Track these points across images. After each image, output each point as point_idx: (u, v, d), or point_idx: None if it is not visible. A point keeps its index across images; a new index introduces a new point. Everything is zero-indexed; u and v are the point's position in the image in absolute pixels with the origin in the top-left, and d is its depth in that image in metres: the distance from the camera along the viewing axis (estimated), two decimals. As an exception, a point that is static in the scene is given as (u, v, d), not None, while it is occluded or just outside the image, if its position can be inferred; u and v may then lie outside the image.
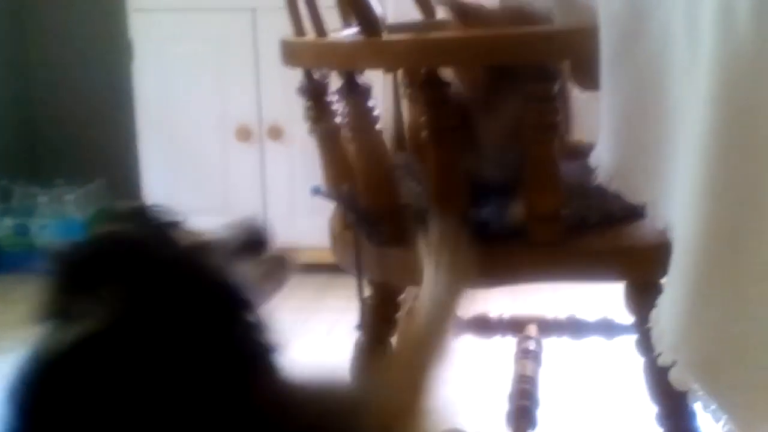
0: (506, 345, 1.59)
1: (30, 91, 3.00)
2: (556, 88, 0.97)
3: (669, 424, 1.08)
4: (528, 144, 1.00)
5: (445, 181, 1.03)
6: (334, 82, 1.09)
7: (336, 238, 1.19)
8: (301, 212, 2.57)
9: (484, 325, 1.58)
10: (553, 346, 1.59)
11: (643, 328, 1.05)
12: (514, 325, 1.55)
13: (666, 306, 0.79)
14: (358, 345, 1.16)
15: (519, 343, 1.47)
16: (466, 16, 1.04)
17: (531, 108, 0.98)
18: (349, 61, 1.02)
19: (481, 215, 1.09)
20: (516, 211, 1.09)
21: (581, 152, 1.25)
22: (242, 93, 2.57)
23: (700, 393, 0.77)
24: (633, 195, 0.90)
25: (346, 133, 1.12)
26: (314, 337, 2.13)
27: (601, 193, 1.14)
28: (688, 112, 0.77)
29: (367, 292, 1.16)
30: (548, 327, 1.54)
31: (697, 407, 0.78)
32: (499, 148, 1.10)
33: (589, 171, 1.22)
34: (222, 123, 2.60)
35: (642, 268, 1.01)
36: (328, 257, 2.12)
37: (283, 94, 2.52)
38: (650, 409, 1.10)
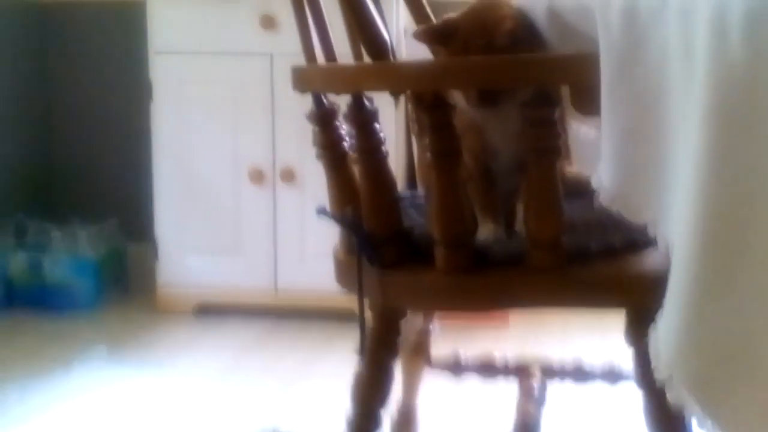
0: (510, 389, 1.57)
1: (49, 128, 3.06)
2: (557, 113, 0.98)
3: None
4: (529, 168, 1.01)
5: (448, 203, 1.04)
6: (343, 108, 1.11)
7: (340, 263, 1.19)
8: (311, 256, 2.58)
9: (488, 368, 1.57)
10: (557, 391, 1.57)
11: (641, 360, 1.05)
12: (519, 369, 1.54)
13: (664, 323, 0.79)
14: (357, 371, 1.15)
15: (522, 385, 1.45)
16: (441, 40, 1.06)
17: (531, 132, 0.99)
18: (356, 84, 1.04)
19: (481, 240, 1.10)
20: (517, 236, 1.09)
21: (583, 189, 1.26)
22: (257, 136, 2.61)
23: (697, 410, 0.76)
24: (634, 216, 0.90)
25: (352, 157, 1.13)
26: (320, 381, 2.12)
27: (602, 225, 1.15)
28: (685, 132, 0.78)
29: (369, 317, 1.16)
30: (552, 371, 1.52)
31: (694, 425, 0.77)
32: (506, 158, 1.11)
33: (591, 207, 1.23)
34: (236, 165, 2.63)
35: (641, 297, 1.00)
36: (338, 302, 2.14)
37: (297, 137, 2.57)
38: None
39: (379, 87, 1.04)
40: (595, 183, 0.92)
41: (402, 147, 2.51)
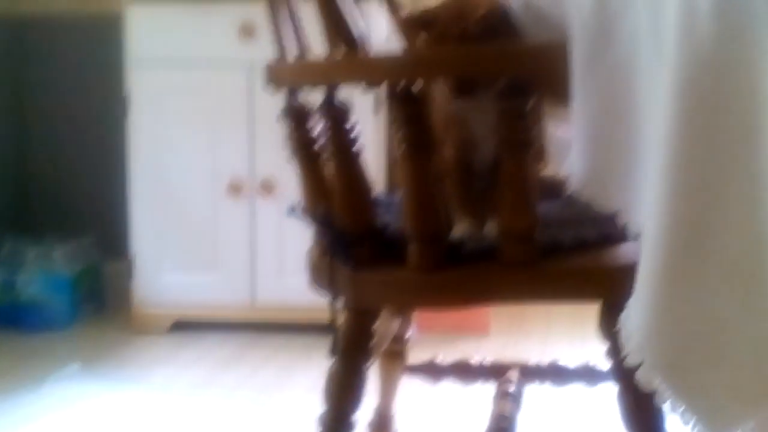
0: (488, 393, 1.56)
1: (24, 143, 3.03)
2: (530, 104, 0.98)
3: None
4: (501, 161, 1.00)
5: (421, 198, 1.03)
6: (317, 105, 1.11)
7: (313, 264, 1.18)
8: (290, 270, 2.56)
9: (465, 371, 1.55)
10: (535, 394, 1.56)
11: (616, 351, 1.04)
12: (496, 371, 1.52)
13: (634, 308, 0.79)
14: (330, 373, 1.13)
15: (499, 386, 1.44)
16: (421, 29, 1.06)
17: (504, 124, 0.99)
18: (328, 76, 1.03)
19: (455, 235, 1.09)
20: (491, 229, 1.09)
21: (559, 190, 1.26)
22: (235, 148, 2.60)
23: (669, 394, 0.76)
24: (605, 202, 0.90)
25: (325, 155, 1.13)
26: (296, 393, 2.09)
27: (577, 221, 1.15)
28: (655, 118, 0.78)
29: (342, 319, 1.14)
30: (530, 372, 1.51)
31: (666, 409, 0.76)
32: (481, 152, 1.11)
33: (566, 208, 1.23)
34: (214, 179, 2.62)
35: (615, 288, 0.99)
36: (317, 316, 2.12)
37: (276, 150, 2.54)
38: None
39: (351, 79, 1.03)
40: (566, 170, 0.92)
41: (382, 153, 2.50)
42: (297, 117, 1.15)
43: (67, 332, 2.67)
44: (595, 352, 1.49)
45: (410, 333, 1.55)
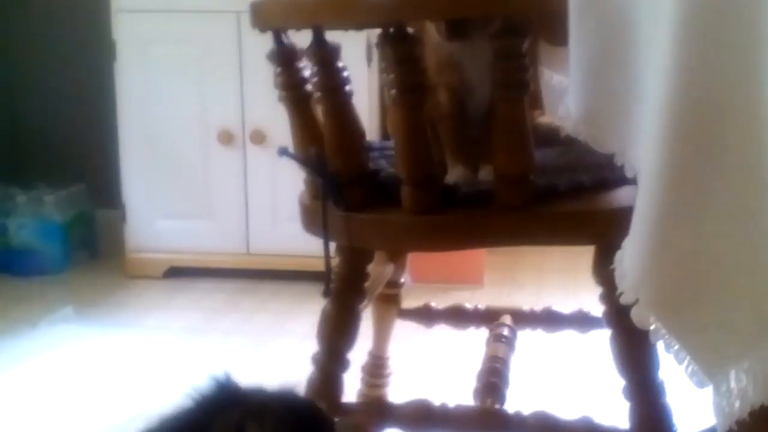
0: (482, 338, 1.57)
1: (12, 92, 2.99)
2: (525, 44, 0.96)
3: (636, 398, 1.05)
4: (497, 103, 0.99)
5: (414, 141, 1.02)
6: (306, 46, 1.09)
7: (305, 208, 1.17)
8: (283, 219, 2.56)
9: (458, 316, 1.56)
10: (527, 339, 1.57)
11: (610, 296, 1.04)
12: (489, 316, 1.53)
13: (629, 246, 0.78)
14: (324, 313, 1.13)
15: (492, 330, 1.44)
16: None
17: (499, 65, 0.97)
18: (316, 17, 1.01)
19: (449, 180, 1.08)
20: (485, 175, 1.08)
21: (554, 137, 1.25)
22: (226, 96, 2.57)
23: (663, 333, 0.75)
24: (602, 142, 0.89)
25: (315, 97, 1.11)
26: (290, 340, 2.10)
27: (572, 167, 1.14)
28: (654, 53, 0.77)
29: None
30: (523, 318, 1.51)
31: (660, 347, 0.76)
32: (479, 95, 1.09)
33: (562, 155, 1.22)
34: (204, 126, 2.59)
35: (610, 231, 0.98)
36: (310, 265, 2.10)
37: (267, 98, 2.51)
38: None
39: (339, 19, 1.01)
40: (562, 113, 0.90)
41: (375, 105, 2.48)
42: (285, 59, 1.13)
43: (60, 277, 2.67)
44: (587, 305, 1.50)
45: (404, 278, 1.55)
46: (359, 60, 2.38)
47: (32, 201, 2.74)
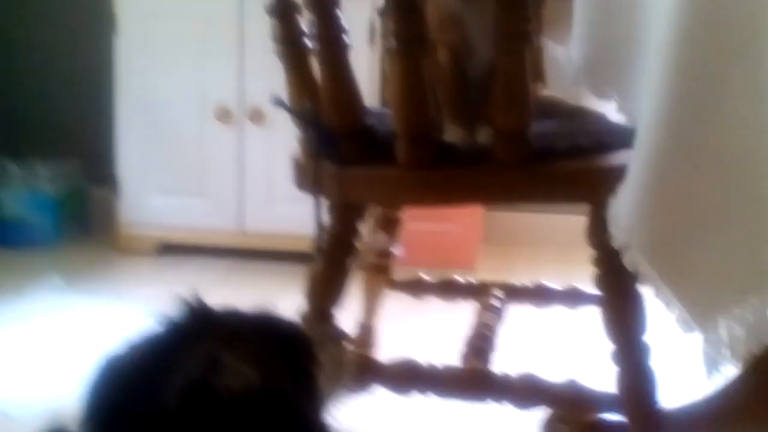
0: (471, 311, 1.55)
1: (9, 66, 2.98)
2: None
3: (624, 361, 1.04)
4: (497, 55, 0.98)
5: (411, 93, 1.01)
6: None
7: (298, 165, 1.16)
8: (279, 199, 2.54)
9: (449, 289, 1.55)
10: (517, 313, 1.56)
11: (602, 260, 1.03)
12: (481, 290, 1.52)
13: (625, 192, 0.77)
14: (313, 269, 1.12)
15: (481, 303, 1.43)
16: None
17: (501, 15, 0.96)
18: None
19: (447, 136, 1.07)
20: (483, 137, 1.06)
21: (556, 110, 1.24)
22: (225, 74, 2.55)
23: (654, 278, 0.74)
24: (602, 88, 0.88)
25: (312, 50, 1.10)
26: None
27: (572, 133, 1.13)
28: (657, 4, 0.76)
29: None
30: (514, 292, 1.50)
31: (649, 293, 0.75)
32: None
33: (563, 127, 1.21)
34: (202, 103, 2.57)
35: (605, 191, 0.97)
36: (305, 245, 2.08)
37: (266, 77, 2.50)
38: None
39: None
40: (563, 57, 0.89)
41: (376, 86, 2.46)
42: (283, 12, 1.12)
43: (51, 250, 2.65)
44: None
45: (396, 249, 1.53)
46: (361, 39, 2.37)
47: (26, 174, 2.73)
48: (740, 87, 0.70)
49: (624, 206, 0.76)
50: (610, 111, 1.03)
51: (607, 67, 0.86)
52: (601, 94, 0.88)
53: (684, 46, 0.72)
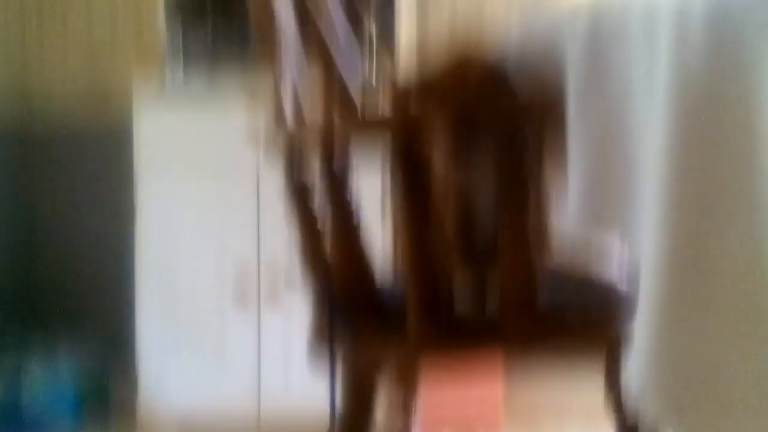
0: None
1: (33, 237, 3.05)
2: (527, 155, 0.97)
3: None
4: (499, 216, 0.99)
5: (418, 263, 1.01)
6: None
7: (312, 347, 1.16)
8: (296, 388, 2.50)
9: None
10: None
11: (617, 410, 0.99)
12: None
13: (634, 349, 0.75)
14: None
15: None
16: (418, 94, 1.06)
17: (502, 170, 0.98)
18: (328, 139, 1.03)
19: (456, 308, 1.07)
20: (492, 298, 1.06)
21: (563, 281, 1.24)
22: (243, 252, 2.60)
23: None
24: (602, 231, 0.88)
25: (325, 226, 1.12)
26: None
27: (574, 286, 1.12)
28: (650, 143, 0.77)
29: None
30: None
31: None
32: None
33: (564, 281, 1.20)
34: (221, 286, 2.61)
35: (616, 350, 0.96)
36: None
37: (282, 252, 2.56)
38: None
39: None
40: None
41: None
42: (299, 196, 1.16)
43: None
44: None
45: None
46: (373, 217, 2.41)
47: (46, 365, 2.72)
48: (740, 241, 0.70)
49: (635, 366, 0.74)
50: (613, 246, 1.03)
51: (606, 198, 0.87)
52: (603, 224, 0.88)
53: (678, 197, 0.72)
